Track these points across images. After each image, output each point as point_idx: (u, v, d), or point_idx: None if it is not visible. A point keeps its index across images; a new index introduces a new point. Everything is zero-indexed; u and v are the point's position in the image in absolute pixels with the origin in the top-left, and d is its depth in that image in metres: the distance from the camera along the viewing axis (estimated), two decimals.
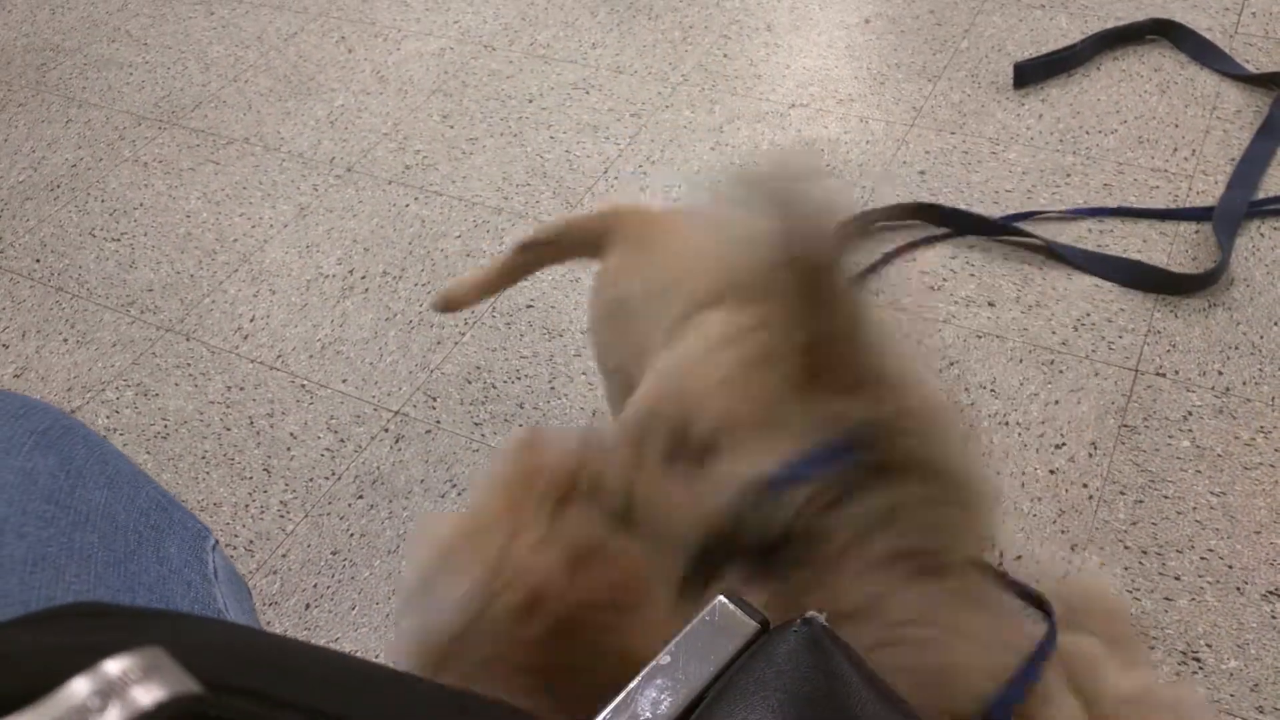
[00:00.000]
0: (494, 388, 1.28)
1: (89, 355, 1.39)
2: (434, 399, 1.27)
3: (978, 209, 1.40)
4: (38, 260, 1.56)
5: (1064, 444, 1.13)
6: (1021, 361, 1.21)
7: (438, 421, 1.25)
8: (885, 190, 1.46)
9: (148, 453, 1.25)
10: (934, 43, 1.73)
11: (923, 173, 1.49)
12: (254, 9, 2.10)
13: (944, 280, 1.32)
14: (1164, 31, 1.66)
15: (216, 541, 0.56)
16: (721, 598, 0.35)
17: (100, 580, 0.46)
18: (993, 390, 1.19)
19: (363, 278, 1.45)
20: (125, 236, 1.58)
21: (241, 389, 1.31)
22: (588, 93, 1.74)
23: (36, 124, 1.86)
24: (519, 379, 1.28)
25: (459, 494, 1.16)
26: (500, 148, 1.64)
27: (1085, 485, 1.09)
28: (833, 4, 1.87)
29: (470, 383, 1.29)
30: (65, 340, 1.42)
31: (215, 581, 0.53)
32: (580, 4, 1.96)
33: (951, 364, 1.23)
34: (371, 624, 1.05)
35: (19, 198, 1.69)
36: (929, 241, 1.38)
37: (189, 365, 1.35)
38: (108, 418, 1.30)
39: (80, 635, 0.31)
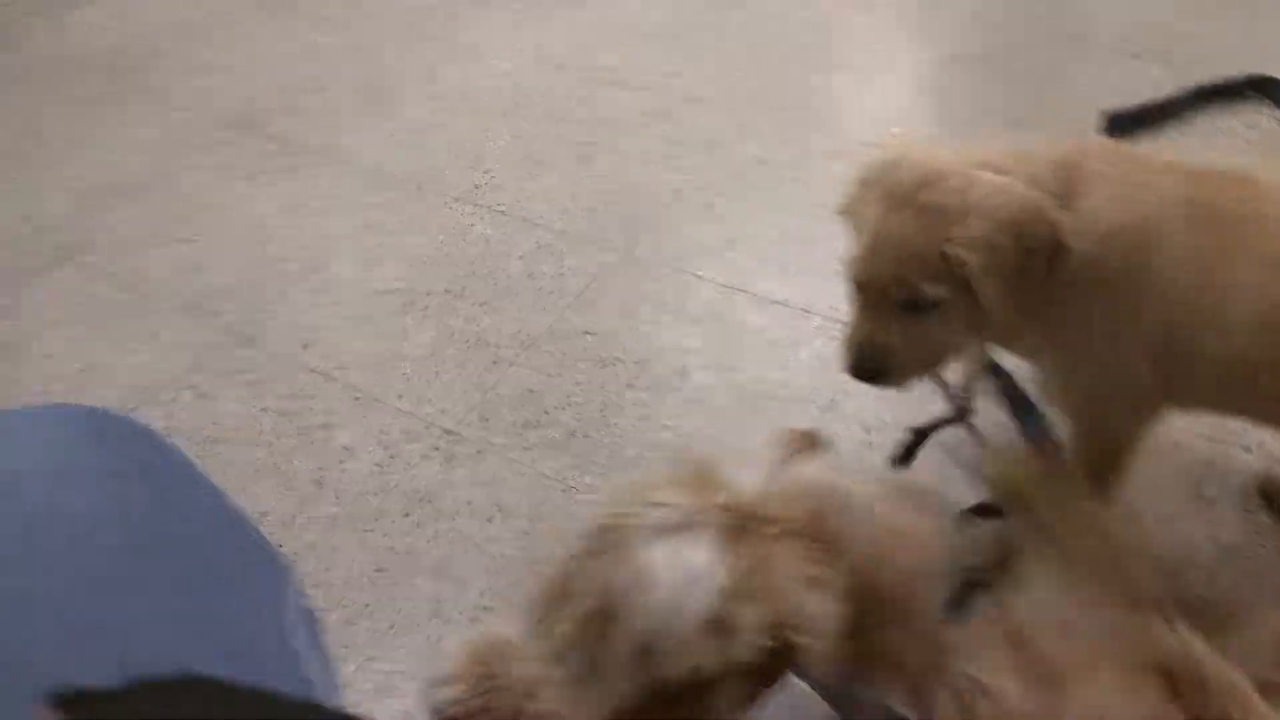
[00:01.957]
0: (546, 413, 1.27)
1: (152, 355, 1.41)
2: (486, 420, 1.26)
3: None
4: (112, 257, 1.59)
5: None
6: None
7: (489, 443, 1.24)
8: None
9: (200, 456, 1.25)
10: (1023, 87, 1.69)
11: None
12: (341, 22, 2.13)
13: None
14: (1262, 89, 1.60)
15: (296, 579, 0.56)
16: None
17: (192, 621, 0.45)
18: None
19: (425, 294, 1.45)
20: (198, 238, 1.60)
21: (297, 398, 1.32)
22: (661, 120, 1.73)
23: (124, 123, 1.90)
24: (571, 405, 1.27)
25: (504, 519, 1.15)
26: (569, 171, 1.64)
27: None
28: (917, 39, 1.84)
29: (523, 407, 1.28)
30: (132, 338, 1.44)
31: (297, 624, 0.53)
32: (662, 33, 1.96)
33: None
34: (410, 645, 1.04)
35: (100, 194, 1.73)
36: None
37: (248, 370, 1.36)
38: (165, 418, 1.31)
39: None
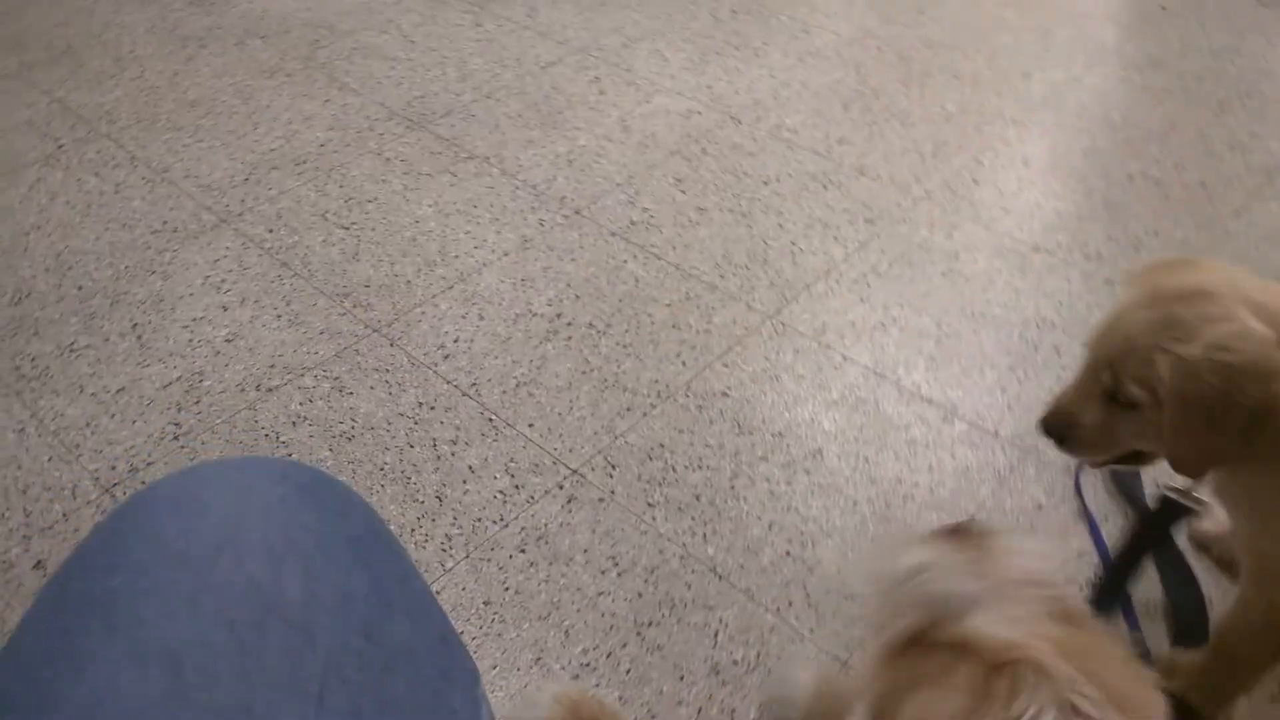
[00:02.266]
0: (674, 471, 1.25)
1: (296, 337, 1.43)
2: (613, 467, 1.25)
3: None
4: (270, 230, 1.62)
5: None
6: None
7: (612, 491, 1.22)
8: None
9: (329, 450, 1.27)
10: (1200, 217, 1.63)
11: None
12: (519, 30, 2.16)
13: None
14: None
15: (483, 686, 0.54)
16: None
17: None
18: None
19: (568, 324, 1.45)
20: (354, 227, 1.62)
21: (432, 408, 1.32)
22: (825, 187, 1.70)
23: (298, 97, 1.95)
24: (700, 468, 1.25)
25: (620, 574, 1.13)
26: (727, 224, 1.63)
27: None
28: (1098, 152, 1.78)
29: (651, 459, 1.26)
30: (279, 316, 1.46)
31: None
32: (836, 95, 1.93)
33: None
34: (507, 690, 1.03)
35: (267, 165, 1.77)
36: None
37: (387, 371, 1.37)
38: (300, 404, 1.33)
39: None
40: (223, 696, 0.39)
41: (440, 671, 0.47)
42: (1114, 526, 1.17)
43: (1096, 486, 1.22)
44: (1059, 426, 0.93)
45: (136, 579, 0.42)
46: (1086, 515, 1.18)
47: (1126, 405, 0.87)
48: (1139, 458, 0.95)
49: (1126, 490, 1.20)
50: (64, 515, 1.21)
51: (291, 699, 0.40)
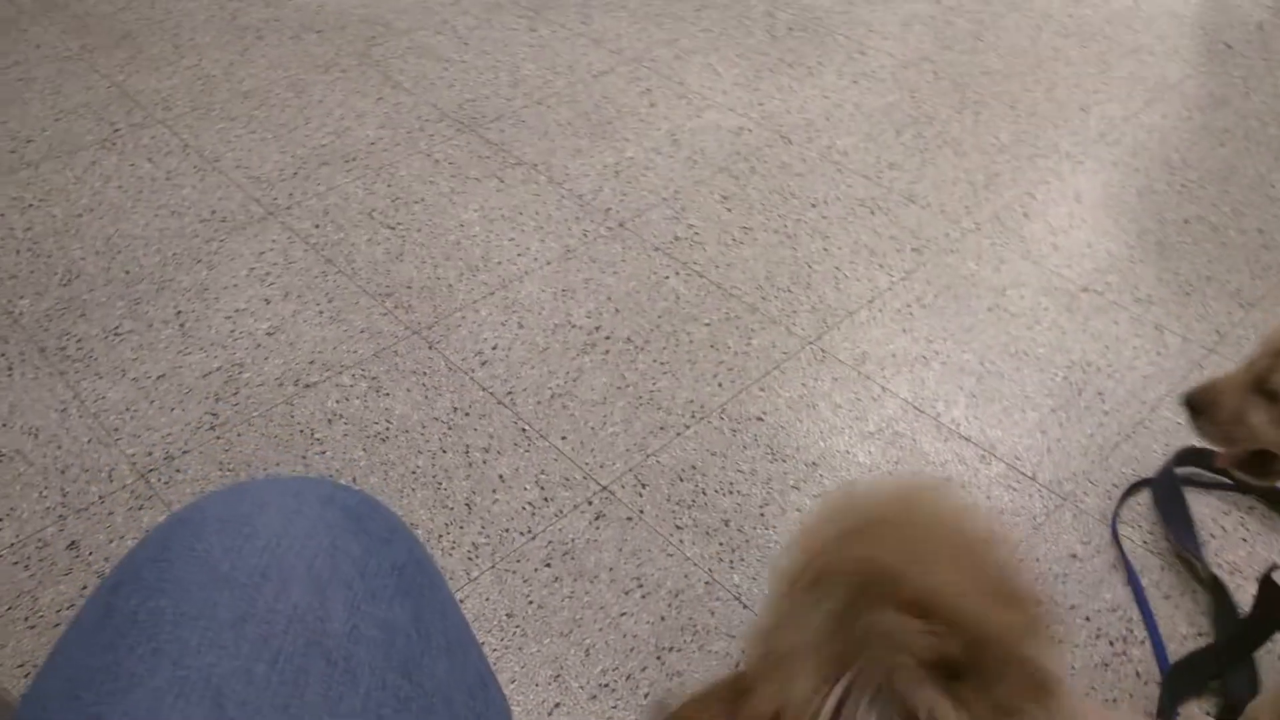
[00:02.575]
0: (704, 494, 1.24)
1: (337, 334, 1.44)
2: (643, 486, 1.25)
3: None
4: (316, 226, 1.63)
5: None
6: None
7: (641, 511, 1.22)
8: (1167, 414, 1.34)
9: (363, 450, 1.28)
10: (1256, 265, 1.60)
11: None
12: (573, 37, 2.16)
13: (1210, 537, 1.20)
14: None
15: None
16: None
17: None
18: None
19: (606, 338, 1.44)
20: (400, 227, 1.63)
21: (467, 414, 1.32)
22: (873, 213, 1.69)
23: (351, 93, 1.96)
24: (731, 493, 1.24)
25: (644, 596, 1.12)
26: (771, 245, 1.62)
27: None
28: (1152, 196, 1.75)
29: (682, 480, 1.26)
30: (321, 312, 1.47)
31: None
32: (889, 121, 1.92)
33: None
34: (525, 706, 1.03)
35: (317, 160, 1.78)
36: (1202, 485, 1.26)
37: (425, 374, 1.38)
38: (337, 402, 1.34)
39: None
40: None
41: (476, 716, 0.47)
42: (1151, 579, 1.15)
43: (1133, 537, 1.19)
44: (1201, 401, 0.96)
45: (182, 601, 0.42)
46: (1126, 566, 1.15)
47: (1272, 396, 0.91)
48: (1265, 464, 0.98)
49: (1187, 555, 1.17)
50: (100, 498, 1.22)
51: None
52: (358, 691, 0.41)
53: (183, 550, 0.45)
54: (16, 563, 1.15)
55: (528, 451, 1.28)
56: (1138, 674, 1.06)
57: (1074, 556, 1.17)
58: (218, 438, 1.29)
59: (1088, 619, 1.11)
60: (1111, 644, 1.09)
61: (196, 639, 0.41)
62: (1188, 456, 1.27)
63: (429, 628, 0.46)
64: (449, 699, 0.45)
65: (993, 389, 1.38)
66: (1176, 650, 1.08)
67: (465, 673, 0.48)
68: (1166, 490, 1.23)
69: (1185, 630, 1.10)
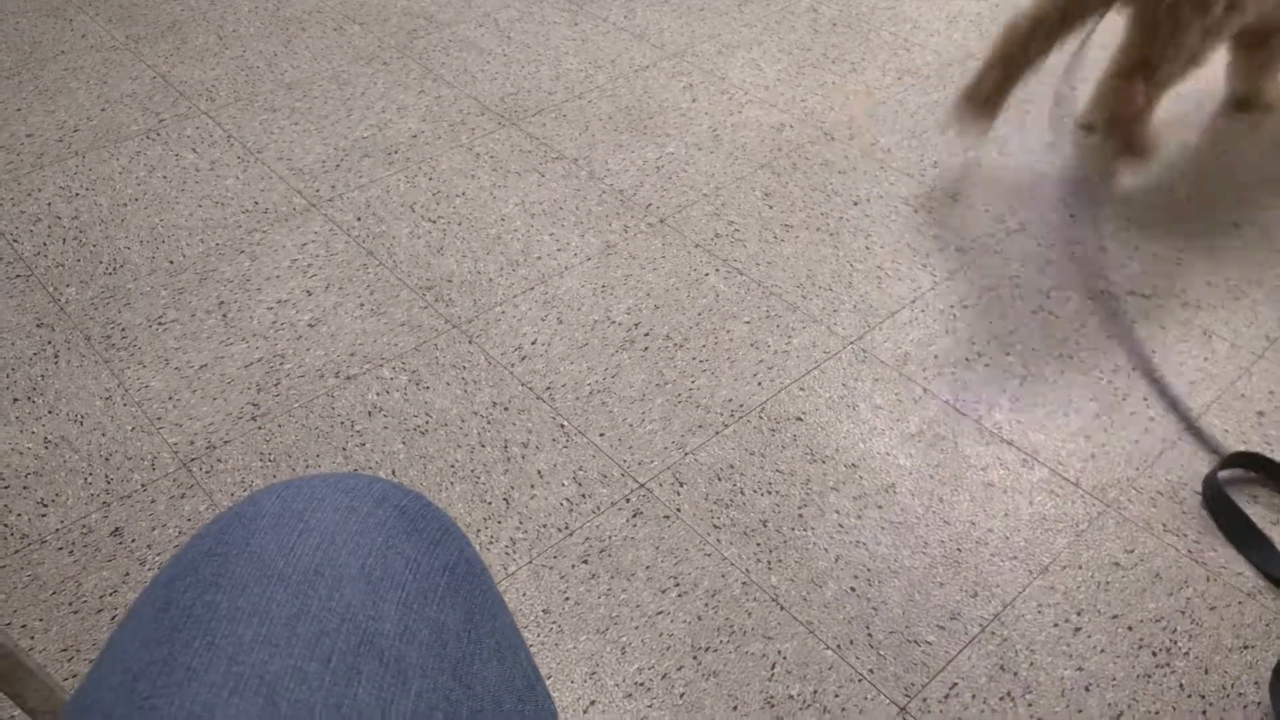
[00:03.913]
0: (742, 494, 1.24)
1: (377, 326, 1.45)
2: (681, 484, 1.24)
3: None
4: (358, 218, 1.64)
5: None
6: None
7: (678, 509, 1.21)
8: (1215, 421, 1.32)
9: (403, 443, 1.28)
10: None
11: (1261, 414, 1.34)
12: (616, 31, 2.15)
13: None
14: None
15: None
16: None
17: None
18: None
19: (646, 334, 1.44)
20: (441, 220, 1.64)
21: (506, 409, 1.33)
22: (916, 212, 1.67)
23: (393, 86, 1.97)
24: (769, 493, 1.24)
25: (680, 595, 1.12)
26: (813, 243, 1.60)
27: None
28: (1203, 194, 1.72)
29: (720, 480, 1.25)
30: (362, 305, 1.48)
31: None
32: (933, 117, 1.90)
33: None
34: (561, 703, 1.03)
35: (359, 152, 1.79)
36: (1246, 493, 1.23)
37: (464, 368, 1.38)
38: (377, 394, 1.34)
39: None
40: None
41: (524, 719, 0.47)
42: (1196, 590, 1.13)
43: (1177, 545, 1.17)
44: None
45: (237, 597, 0.42)
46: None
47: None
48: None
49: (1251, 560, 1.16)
50: (142, 486, 1.23)
51: None
52: (409, 693, 0.41)
53: (238, 546, 0.45)
54: (61, 548, 1.17)
55: (566, 447, 1.28)
56: (1180, 686, 1.04)
57: (1116, 565, 1.16)
58: (259, 428, 1.30)
59: (1130, 629, 1.09)
60: (1154, 654, 1.07)
61: (251, 635, 0.41)
62: (1235, 461, 1.24)
63: (479, 630, 0.46)
64: (498, 701, 0.45)
65: (1036, 393, 1.36)
66: (1207, 672, 1.06)
67: (514, 676, 0.48)
68: (1215, 497, 1.21)
69: (1231, 643, 1.08)
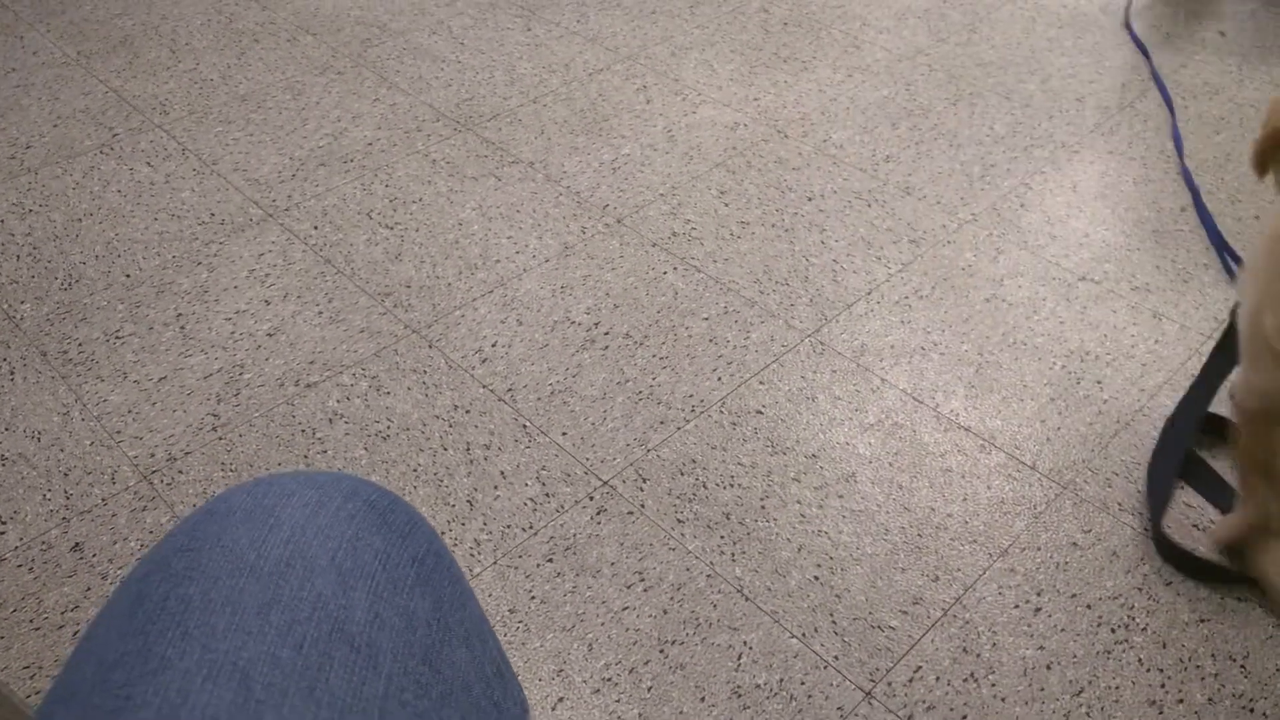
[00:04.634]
0: (705, 487, 1.25)
1: (337, 334, 1.44)
2: (644, 480, 1.25)
3: None
4: (315, 227, 1.64)
5: None
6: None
7: (642, 505, 1.22)
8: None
9: (365, 449, 1.28)
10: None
11: None
12: (569, 36, 2.16)
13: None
14: None
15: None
16: None
17: None
18: (1243, 666, 1.07)
19: (605, 333, 1.45)
20: (398, 227, 1.64)
21: (467, 411, 1.33)
22: (870, 205, 1.69)
23: (348, 95, 1.97)
24: (732, 486, 1.25)
25: (645, 590, 1.13)
26: (769, 239, 1.62)
27: None
28: (1150, 183, 1.76)
29: (683, 474, 1.26)
30: (320, 313, 1.48)
31: None
32: (884, 112, 1.92)
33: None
34: (529, 702, 1.03)
35: (315, 161, 1.78)
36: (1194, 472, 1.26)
37: (425, 373, 1.38)
38: (338, 402, 1.34)
39: None
40: (289, 715, 0.40)
41: (494, 704, 0.48)
42: (1153, 565, 1.15)
43: (1132, 524, 1.20)
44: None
45: (209, 589, 0.43)
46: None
47: None
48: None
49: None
50: (103, 500, 1.22)
51: None
52: (380, 676, 0.42)
53: (210, 540, 0.46)
54: (20, 565, 1.16)
55: (528, 448, 1.29)
56: (1139, 660, 1.06)
57: (1074, 545, 1.18)
58: (220, 439, 1.30)
59: (1089, 607, 1.11)
60: (1113, 631, 1.09)
61: (223, 624, 0.42)
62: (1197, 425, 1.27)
63: (448, 618, 0.47)
64: (468, 686, 0.46)
65: (991, 379, 1.38)
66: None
67: (483, 662, 0.49)
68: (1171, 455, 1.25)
69: (1188, 617, 1.10)
